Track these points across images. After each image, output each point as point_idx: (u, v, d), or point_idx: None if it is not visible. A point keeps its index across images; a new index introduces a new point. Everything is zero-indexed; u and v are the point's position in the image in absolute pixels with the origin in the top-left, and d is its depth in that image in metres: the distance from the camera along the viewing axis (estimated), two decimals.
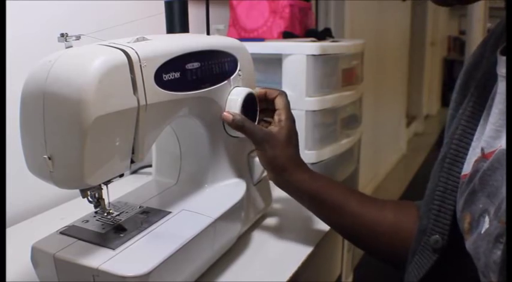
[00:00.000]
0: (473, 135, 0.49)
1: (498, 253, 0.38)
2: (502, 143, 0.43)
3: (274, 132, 0.63)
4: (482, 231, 0.42)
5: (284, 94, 0.68)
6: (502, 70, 0.45)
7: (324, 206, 0.62)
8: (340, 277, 0.93)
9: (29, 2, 0.77)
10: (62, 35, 0.48)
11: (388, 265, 0.60)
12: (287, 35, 1.14)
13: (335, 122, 1.06)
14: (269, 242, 0.68)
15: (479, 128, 0.48)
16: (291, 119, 0.65)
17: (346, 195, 0.62)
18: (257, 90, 0.68)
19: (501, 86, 0.45)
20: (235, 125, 0.63)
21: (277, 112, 0.66)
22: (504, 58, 0.45)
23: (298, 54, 0.96)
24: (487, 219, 0.42)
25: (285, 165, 0.62)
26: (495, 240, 0.39)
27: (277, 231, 0.72)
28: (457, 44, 5.39)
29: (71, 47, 0.48)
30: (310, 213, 0.78)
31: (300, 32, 1.20)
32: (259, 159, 0.64)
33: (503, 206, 0.39)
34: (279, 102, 0.66)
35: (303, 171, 0.63)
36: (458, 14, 5.17)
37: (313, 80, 0.97)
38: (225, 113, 0.64)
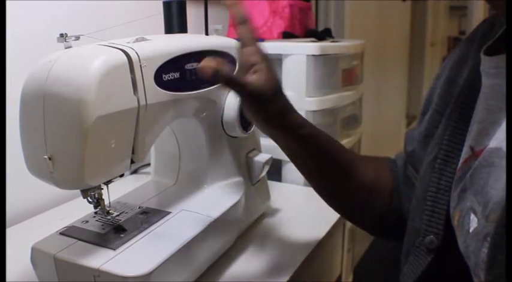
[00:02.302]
0: (464, 135, 0.49)
1: (486, 251, 0.38)
2: (490, 143, 0.43)
3: (265, 81, 0.52)
4: (470, 230, 0.42)
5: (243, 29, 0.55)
6: (485, 70, 0.45)
7: (314, 155, 0.58)
8: (340, 277, 0.93)
9: (29, 2, 0.77)
10: (62, 35, 0.48)
11: (364, 228, 0.61)
12: (287, 35, 1.14)
13: (335, 122, 1.06)
14: (269, 242, 0.68)
15: (470, 128, 0.48)
16: (262, 53, 0.54)
17: (337, 149, 0.60)
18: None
19: (484, 81, 0.45)
20: (220, 80, 0.50)
21: (249, 60, 0.54)
22: (488, 58, 0.45)
23: (298, 54, 0.96)
24: (472, 217, 0.42)
25: (279, 117, 0.55)
26: (483, 239, 0.39)
27: (277, 231, 0.72)
28: (457, 44, 5.38)
29: (70, 47, 0.48)
30: (310, 213, 0.78)
31: (300, 32, 1.20)
32: (248, 112, 0.55)
33: (490, 204, 0.39)
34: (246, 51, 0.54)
35: (298, 119, 0.56)
36: (458, 14, 5.16)
37: (313, 80, 0.97)
38: (203, 63, 0.48)
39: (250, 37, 0.55)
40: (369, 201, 0.60)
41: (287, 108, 0.55)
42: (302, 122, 0.56)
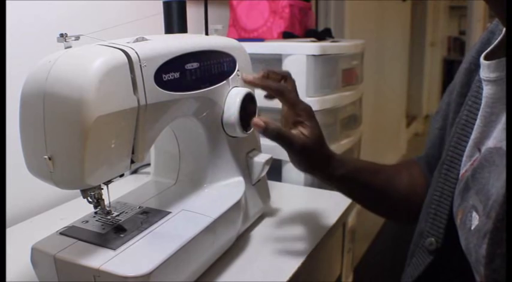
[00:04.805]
0: (466, 142, 0.50)
1: (485, 247, 0.40)
2: (489, 142, 0.45)
3: (311, 138, 0.59)
4: (472, 228, 0.43)
5: (291, 80, 0.63)
6: (485, 74, 0.46)
7: (356, 189, 0.65)
8: (340, 277, 0.93)
9: (29, 2, 0.77)
10: (62, 35, 0.48)
11: (409, 223, 0.65)
12: (287, 35, 1.14)
13: (335, 122, 1.06)
14: (269, 242, 0.68)
15: (474, 134, 0.50)
16: (310, 112, 0.60)
17: (373, 174, 0.65)
18: (250, 78, 0.61)
19: (486, 90, 0.46)
20: (269, 134, 0.56)
21: (296, 111, 0.60)
22: (486, 63, 0.46)
23: (298, 54, 0.96)
24: (474, 215, 0.43)
25: (322, 166, 0.61)
26: (484, 236, 0.40)
27: (277, 231, 0.72)
28: (457, 44, 5.39)
29: (70, 47, 0.48)
30: (310, 213, 0.78)
31: (300, 32, 1.20)
32: (294, 164, 0.61)
33: (491, 202, 0.40)
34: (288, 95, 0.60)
35: (338, 165, 0.62)
36: (458, 14, 5.16)
37: (313, 80, 0.97)
38: (256, 119, 0.57)
39: (297, 99, 0.60)
40: (407, 203, 0.64)
41: (328, 157, 0.61)
42: (340, 165, 0.62)
